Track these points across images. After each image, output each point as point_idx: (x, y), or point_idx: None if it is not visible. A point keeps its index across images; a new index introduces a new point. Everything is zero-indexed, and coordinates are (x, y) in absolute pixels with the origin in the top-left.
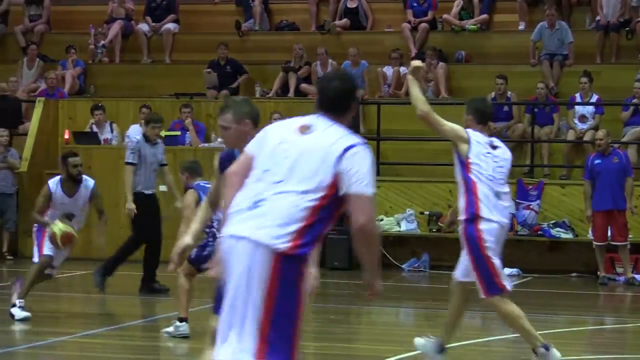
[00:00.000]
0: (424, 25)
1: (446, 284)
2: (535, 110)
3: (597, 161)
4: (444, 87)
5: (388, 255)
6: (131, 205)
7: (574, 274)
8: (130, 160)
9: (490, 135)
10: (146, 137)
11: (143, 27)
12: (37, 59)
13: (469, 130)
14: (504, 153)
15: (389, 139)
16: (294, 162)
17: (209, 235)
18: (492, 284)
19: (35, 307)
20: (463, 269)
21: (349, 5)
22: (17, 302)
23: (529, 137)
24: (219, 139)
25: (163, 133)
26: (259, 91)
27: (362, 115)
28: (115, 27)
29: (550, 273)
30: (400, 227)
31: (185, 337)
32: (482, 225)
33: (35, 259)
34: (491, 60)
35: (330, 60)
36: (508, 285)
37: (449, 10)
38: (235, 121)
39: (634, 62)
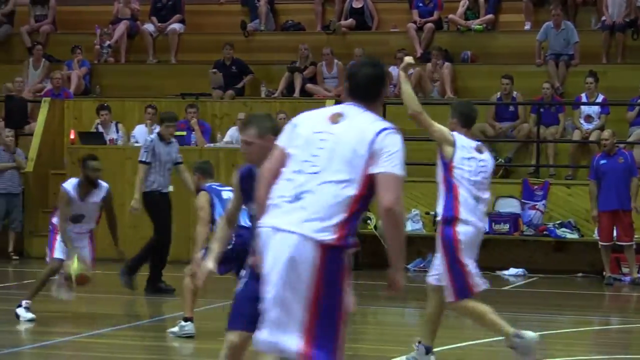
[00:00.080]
0: (429, 25)
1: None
2: (541, 110)
3: (602, 161)
4: (450, 87)
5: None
6: (137, 205)
7: (580, 274)
8: (143, 159)
9: (497, 135)
10: (160, 136)
11: (149, 27)
12: (43, 59)
13: (455, 134)
14: (489, 159)
15: None
16: (330, 151)
17: None
18: (463, 289)
19: (40, 307)
20: (438, 272)
21: (354, 6)
22: (23, 302)
23: (535, 137)
24: (224, 140)
25: None
26: (265, 91)
27: None
28: (121, 27)
29: (556, 273)
30: (405, 227)
31: (190, 336)
32: (460, 228)
33: (48, 260)
34: (497, 60)
35: (335, 61)
36: (483, 285)
37: (454, 10)
38: (258, 136)
39: None
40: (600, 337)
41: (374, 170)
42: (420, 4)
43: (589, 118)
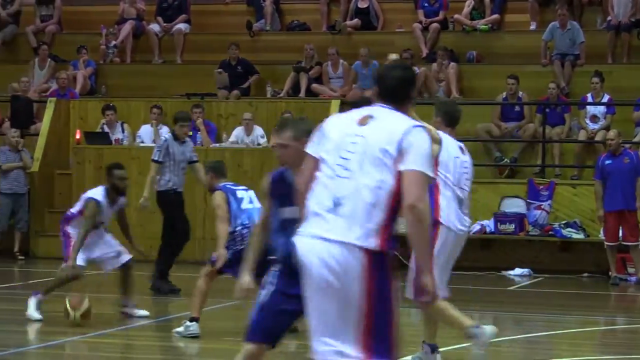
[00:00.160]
0: (435, 25)
1: (456, 283)
2: (547, 110)
3: (608, 161)
4: (455, 87)
5: (399, 255)
6: (146, 202)
7: (585, 274)
8: (155, 158)
9: (502, 135)
10: (175, 136)
11: (154, 27)
12: (49, 59)
13: (440, 132)
14: (470, 160)
15: None
16: (361, 154)
17: (230, 238)
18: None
19: (46, 307)
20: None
21: (359, 6)
22: (38, 294)
23: (540, 137)
24: (230, 140)
25: None
26: (270, 91)
27: None
28: (127, 27)
29: (562, 273)
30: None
31: (195, 337)
32: (440, 232)
33: (68, 264)
34: (502, 60)
35: (341, 61)
36: (443, 292)
37: (460, 10)
38: (294, 139)
39: None
40: (606, 337)
41: (401, 167)
42: (426, 4)
43: (594, 118)
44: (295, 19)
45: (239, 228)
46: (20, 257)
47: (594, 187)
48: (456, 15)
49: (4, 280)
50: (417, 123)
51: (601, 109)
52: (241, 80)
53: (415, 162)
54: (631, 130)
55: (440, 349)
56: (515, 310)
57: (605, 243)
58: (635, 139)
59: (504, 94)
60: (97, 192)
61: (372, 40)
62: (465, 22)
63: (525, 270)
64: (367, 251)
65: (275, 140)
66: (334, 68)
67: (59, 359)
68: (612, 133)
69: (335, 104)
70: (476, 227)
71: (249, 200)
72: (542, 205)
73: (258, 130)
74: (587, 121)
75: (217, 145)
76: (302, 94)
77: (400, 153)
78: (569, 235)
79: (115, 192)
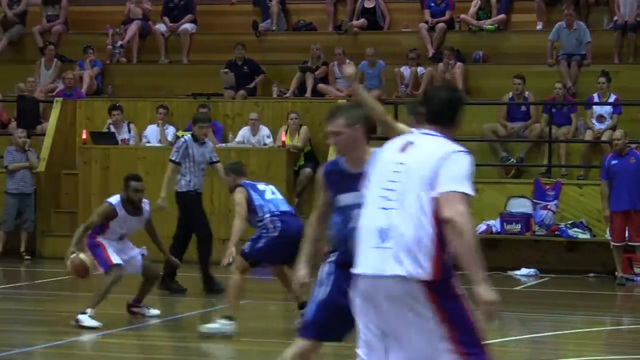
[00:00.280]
0: (441, 25)
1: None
2: (553, 110)
3: (614, 161)
4: (462, 88)
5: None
6: (163, 203)
7: (592, 274)
8: (172, 158)
9: (508, 135)
10: (194, 137)
11: (160, 27)
12: (55, 59)
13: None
14: None
15: None
16: (403, 183)
17: (261, 227)
18: None
19: (52, 307)
20: None
21: (366, 5)
22: (88, 311)
23: (547, 137)
24: (236, 140)
25: (180, 133)
26: (276, 91)
27: None
28: (133, 27)
29: (568, 273)
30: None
31: (227, 336)
32: None
33: (105, 269)
34: (509, 60)
35: (347, 61)
36: None
37: (466, 10)
38: (347, 125)
39: None
40: (612, 337)
41: (438, 190)
42: (432, 4)
43: (601, 118)
44: (301, 19)
45: (267, 216)
46: (26, 257)
47: (600, 187)
48: (462, 15)
49: (11, 280)
50: (458, 148)
51: (607, 109)
52: (247, 80)
53: (449, 183)
54: (638, 130)
55: None
56: (521, 310)
57: (612, 243)
58: None
59: (510, 94)
60: (113, 198)
61: (378, 40)
62: (472, 22)
63: (531, 270)
64: (426, 282)
65: (328, 128)
66: (340, 68)
67: (65, 359)
68: (618, 133)
69: (341, 103)
70: (482, 227)
71: (272, 192)
72: (548, 205)
73: (264, 130)
74: (594, 121)
75: (224, 145)
76: (308, 94)
77: (437, 179)
78: (575, 235)
79: (130, 204)
